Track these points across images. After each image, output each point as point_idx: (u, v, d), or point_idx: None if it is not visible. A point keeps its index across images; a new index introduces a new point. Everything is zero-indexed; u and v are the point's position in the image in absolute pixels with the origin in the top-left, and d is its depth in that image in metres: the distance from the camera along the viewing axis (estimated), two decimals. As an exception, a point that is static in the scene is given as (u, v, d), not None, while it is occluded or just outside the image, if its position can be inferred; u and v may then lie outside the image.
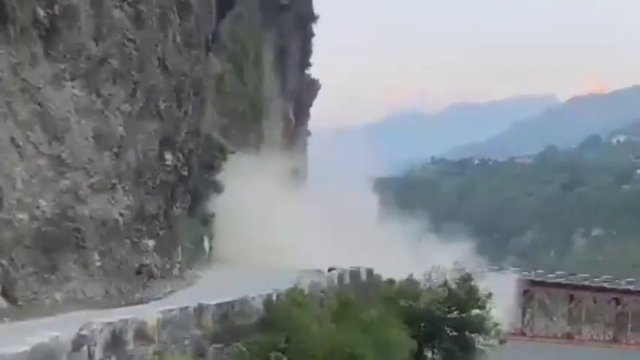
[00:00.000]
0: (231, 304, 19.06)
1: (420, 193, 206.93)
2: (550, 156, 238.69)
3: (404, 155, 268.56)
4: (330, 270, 30.65)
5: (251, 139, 47.02)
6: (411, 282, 37.07)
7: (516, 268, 72.29)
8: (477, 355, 36.87)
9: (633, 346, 68.34)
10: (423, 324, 34.54)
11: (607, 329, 68.91)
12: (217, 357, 16.97)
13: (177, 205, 27.12)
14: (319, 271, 29.90)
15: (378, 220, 54.57)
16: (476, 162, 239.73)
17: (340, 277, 29.58)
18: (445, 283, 37.34)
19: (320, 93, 70.67)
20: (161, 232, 25.21)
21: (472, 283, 37.46)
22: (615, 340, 68.69)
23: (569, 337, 67.28)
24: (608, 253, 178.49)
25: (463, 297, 36.52)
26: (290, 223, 40.22)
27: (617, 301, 68.19)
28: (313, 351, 19.40)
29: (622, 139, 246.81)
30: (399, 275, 37.39)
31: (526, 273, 70.83)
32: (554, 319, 68.27)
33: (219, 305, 18.53)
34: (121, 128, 22.17)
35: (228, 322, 18.58)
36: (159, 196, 24.93)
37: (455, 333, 35.94)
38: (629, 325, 67.19)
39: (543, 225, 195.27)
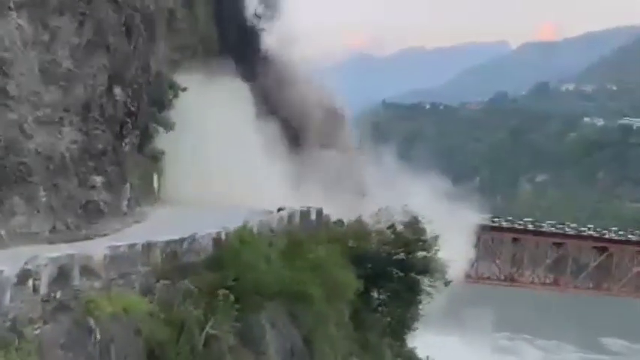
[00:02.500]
0: (179, 242, 19.04)
1: (370, 136, 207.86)
2: (499, 102, 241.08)
3: (355, 98, 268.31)
4: (279, 210, 30.70)
5: (203, 75, 46.21)
6: (359, 223, 37.44)
7: (462, 212, 73.29)
8: (422, 296, 37.64)
9: (572, 289, 70.46)
10: (370, 265, 35.04)
11: (548, 273, 70.80)
12: (165, 294, 16.98)
13: (126, 141, 26.73)
14: (269, 211, 29.94)
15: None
16: (427, 107, 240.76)
17: (290, 217, 29.69)
18: (393, 225, 37.84)
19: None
20: (109, 169, 24.88)
21: (419, 226, 38.04)
22: (555, 283, 70.67)
23: (511, 279, 68.96)
24: (552, 198, 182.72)
25: (410, 239, 37.09)
26: (242, 162, 40.01)
27: (559, 246, 69.95)
28: (262, 289, 19.55)
29: (571, 87, 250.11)
30: (348, 216, 37.71)
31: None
32: (498, 262, 69.83)
33: (167, 243, 18.50)
34: (68, 62, 21.63)
35: (176, 259, 18.58)
36: (107, 132, 24.53)
37: (401, 274, 36.56)
38: (569, 269, 69.11)
39: (491, 170, 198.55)
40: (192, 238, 19.47)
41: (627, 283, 70.18)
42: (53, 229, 21.07)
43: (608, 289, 70.33)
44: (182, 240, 19.15)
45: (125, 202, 26.43)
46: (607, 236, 71.75)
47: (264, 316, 20.68)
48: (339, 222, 36.93)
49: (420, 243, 36.97)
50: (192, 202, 34.37)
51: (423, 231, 37.59)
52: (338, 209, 37.30)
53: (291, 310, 23.20)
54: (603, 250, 69.71)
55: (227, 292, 17.71)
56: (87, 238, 20.93)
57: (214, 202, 33.73)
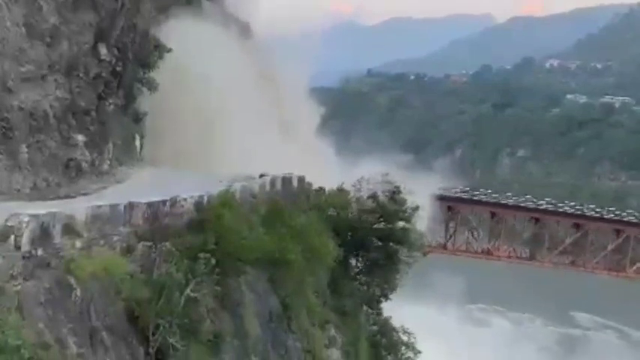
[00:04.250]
0: (161, 204, 19.01)
1: (355, 105, 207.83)
2: (484, 76, 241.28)
3: (340, 66, 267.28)
4: (261, 176, 30.68)
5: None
6: (340, 192, 37.53)
7: (443, 184, 73.69)
8: (400, 266, 37.93)
9: (548, 264, 71.26)
10: (350, 233, 35.21)
11: (524, 247, 71.51)
12: (146, 255, 17.01)
13: (109, 101, 26.50)
14: (251, 177, 29.91)
15: (316, 130, 54.58)
16: (411, 77, 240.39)
17: (272, 183, 29.69)
18: (374, 195, 37.98)
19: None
20: (92, 128, 24.70)
21: (400, 196, 38.20)
22: (532, 257, 71.43)
23: (488, 252, 69.59)
24: (531, 174, 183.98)
25: (390, 209, 37.25)
26: (225, 128, 39.89)
27: (536, 221, 70.57)
28: (242, 254, 19.63)
29: (555, 63, 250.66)
30: (330, 185, 37.78)
31: (452, 189, 72.48)
32: (476, 235, 70.38)
33: (149, 204, 18.47)
34: (54, 17, 21.34)
35: (157, 221, 18.57)
36: (91, 91, 24.32)
37: (380, 243, 36.79)
38: (546, 245, 69.82)
39: (472, 143, 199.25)
40: (174, 201, 19.45)
41: (601, 260, 71.15)
42: (34, 187, 20.96)
43: (583, 265, 71.24)
44: (164, 202, 19.12)
45: (107, 162, 26.30)
46: (584, 213, 72.48)
47: (244, 281, 20.80)
48: (321, 190, 36.99)
49: (400, 213, 37.15)
50: (174, 165, 34.29)
51: (403, 201, 37.78)
52: (319, 179, 37.37)
53: (271, 276, 23.34)
54: (579, 227, 70.47)
55: (208, 255, 17.76)
56: (68, 196, 20.81)
57: (196, 166, 33.66)
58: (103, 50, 24.56)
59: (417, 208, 39.46)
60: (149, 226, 18.09)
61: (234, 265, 19.49)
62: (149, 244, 17.47)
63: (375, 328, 39.79)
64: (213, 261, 17.76)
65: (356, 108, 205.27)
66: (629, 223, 71.88)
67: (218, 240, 19.07)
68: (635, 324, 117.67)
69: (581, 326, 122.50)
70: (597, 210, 73.73)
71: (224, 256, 18.77)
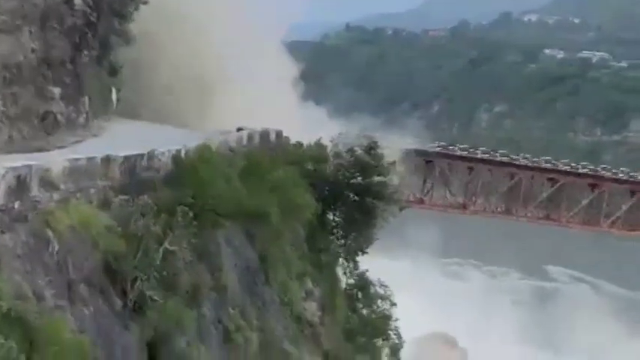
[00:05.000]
0: (138, 157, 18.93)
1: (333, 59, 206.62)
2: (462, 31, 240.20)
3: (319, 20, 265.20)
4: (238, 130, 30.60)
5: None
6: (318, 146, 37.54)
7: (420, 138, 73.92)
8: (377, 221, 38.18)
9: (523, 218, 72.11)
10: (327, 187, 35.34)
11: (500, 201, 72.21)
12: (123, 209, 16.95)
13: (84, 52, 26.12)
14: (228, 131, 29.83)
15: (292, 85, 54.23)
16: (389, 32, 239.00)
17: (249, 137, 29.65)
18: (351, 149, 38.05)
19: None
20: (67, 80, 24.38)
21: (377, 151, 38.29)
22: (507, 211, 72.21)
23: (464, 206, 70.20)
24: (508, 129, 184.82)
25: (368, 163, 37.35)
26: (201, 82, 39.59)
27: (512, 176, 71.17)
28: (219, 207, 19.65)
29: (533, 18, 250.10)
30: (307, 139, 37.77)
31: (429, 144, 72.75)
32: (452, 189, 70.87)
33: (126, 157, 18.38)
34: (26, -34, 20.90)
35: (134, 175, 18.51)
36: (66, 42, 23.92)
37: (357, 198, 36.97)
38: (521, 199, 70.53)
39: (450, 98, 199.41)
40: (152, 154, 19.38)
41: (576, 214, 72.10)
42: (9, 139, 20.74)
43: (558, 219, 72.17)
44: (141, 156, 19.04)
45: (83, 115, 26.04)
46: (559, 168, 73.17)
47: (222, 234, 20.87)
48: (298, 144, 36.99)
49: (378, 168, 37.28)
50: (151, 118, 34.09)
51: (380, 156, 37.89)
52: (297, 133, 37.33)
53: (248, 229, 23.45)
54: (555, 181, 71.20)
55: (185, 209, 17.76)
56: (43, 149, 20.62)
57: (174, 120, 33.50)
58: (77, 0, 24.13)
59: (394, 163, 39.65)
60: (126, 179, 18.02)
61: (211, 219, 19.52)
62: (126, 197, 17.42)
63: (351, 281, 40.20)
64: (191, 215, 17.77)
65: (335, 63, 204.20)
66: (603, 178, 72.77)
67: (195, 194, 19.07)
68: (608, 277, 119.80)
69: (555, 279, 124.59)
70: (572, 165, 74.41)
71: (201, 210, 18.79)
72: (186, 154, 20.67)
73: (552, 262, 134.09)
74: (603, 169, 75.70)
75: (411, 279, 66.99)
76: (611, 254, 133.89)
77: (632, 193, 72.55)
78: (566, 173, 72.16)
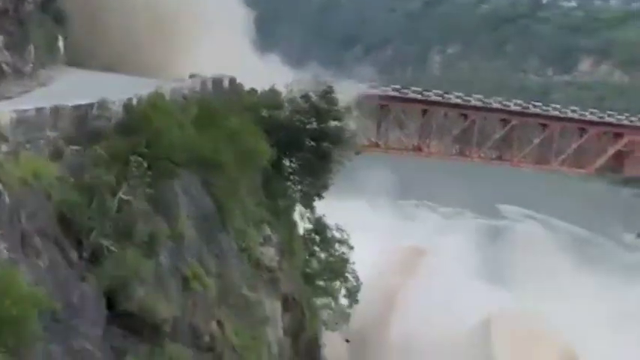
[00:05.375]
0: (88, 107, 18.57)
1: (286, 5, 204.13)
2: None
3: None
4: (191, 76, 30.20)
5: None
6: (272, 92, 37.30)
7: (374, 82, 73.75)
8: (333, 165, 38.32)
9: (476, 158, 72.86)
10: (282, 133, 35.22)
11: (454, 143, 72.75)
12: (75, 159, 16.69)
13: (28, 0, 25.37)
14: (181, 79, 29.41)
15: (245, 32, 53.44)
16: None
17: (202, 84, 29.28)
18: (306, 95, 37.87)
19: None
20: (11, 28, 23.70)
21: (332, 96, 38.20)
22: (461, 153, 72.81)
23: (419, 149, 70.60)
24: (461, 70, 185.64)
25: (323, 109, 37.28)
26: (156, 29, 38.80)
27: (466, 117, 71.58)
28: (174, 156, 19.43)
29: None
30: (261, 86, 37.47)
31: (383, 87, 72.62)
32: (407, 132, 71.13)
33: (76, 107, 18.02)
34: None
35: (85, 124, 18.17)
36: (8, -11, 23.20)
37: (313, 143, 36.98)
38: (475, 140, 71.16)
39: (403, 41, 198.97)
40: (102, 103, 19.01)
41: (528, 154, 73.16)
42: (-46, 91, 20.18)
43: (510, 159, 73.17)
44: (91, 105, 18.68)
45: (29, 65, 25.39)
46: (511, 109, 73.79)
47: (177, 183, 20.70)
48: (253, 91, 36.71)
49: (333, 113, 37.25)
50: (100, 67, 33.43)
51: (335, 101, 37.83)
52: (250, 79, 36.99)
53: (204, 177, 23.30)
54: (507, 122, 71.90)
55: (139, 158, 17.55)
56: (-10, 100, 20.11)
57: (126, 69, 32.89)
58: (18, -55, 23.34)
59: (349, 108, 39.61)
60: (77, 130, 17.70)
61: (166, 168, 19.31)
62: (77, 148, 17.13)
63: (309, 226, 40.51)
64: (145, 164, 17.56)
65: (288, 9, 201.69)
66: (554, 118, 73.69)
67: (149, 143, 18.80)
68: (558, 214, 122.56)
69: (508, 218, 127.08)
70: (524, 105, 75.08)
71: (156, 159, 18.56)
72: (138, 102, 20.32)
73: (505, 201, 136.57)
74: (554, 108, 76.49)
75: (367, 222, 67.61)
76: (562, 192, 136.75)
77: (582, 131, 73.74)
78: (518, 114, 72.76)
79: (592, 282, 60.01)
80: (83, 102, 18.39)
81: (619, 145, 75.62)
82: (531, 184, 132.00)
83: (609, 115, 76.19)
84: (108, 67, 33.89)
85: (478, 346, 53.28)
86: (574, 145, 73.91)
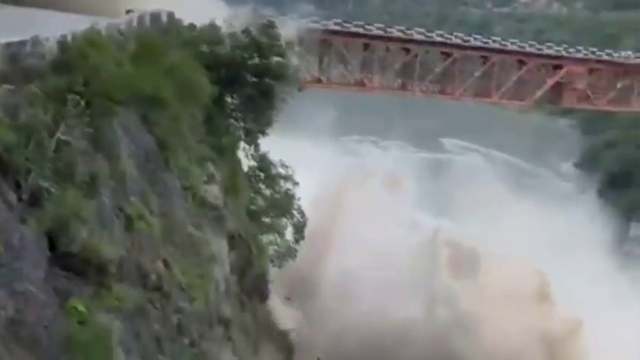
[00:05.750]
0: (21, 44, 17.90)
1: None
2: None
3: None
4: (128, 12, 29.35)
5: None
6: (212, 27, 36.55)
7: (315, 17, 72.92)
8: (276, 102, 38.01)
9: (418, 93, 73.15)
10: (224, 70, 34.68)
11: (397, 77, 72.78)
12: (9, 99, 16.13)
13: None
14: (117, 15, 28.54)
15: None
16: None
17: (140, 20, 28.49)
18: (247, 30, 37.23)
19: None
20: None
21: (273, 30, 37.64)
22: (403, 87, 72.97)
23: (361, 84, 70.46)
24: (402, 4, 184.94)
25: (264, 44, 36.75)
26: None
27: (408, 51, 71.52)
28: (112, 94, 18.95)
29: None
30: (200, 21, 36.66)
31: (325, 22, 71.86)
32: (349, 67, 70.79)
33: (7, 45, 17.35)
34: None
35: (18, 63, 17.54)
36: None
37: (255, 79, 36.52)
38: (417, 74, 71.29)
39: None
40: (36, 40, 18.33)
41: (469, 87, 73.76)
42: None
43: (452, 93, 73.70)
44: (24, 42, 18.00)
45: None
46: (452, 42, 73.93)
47: (116, 121, 20.24)
48: (191, 26, 35.91)
49: (274, 48, 36.77)
50: (35, 4, 32.20)
51: (277, 36, 37.31)
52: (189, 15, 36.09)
53: (144, 115, 22.84)
54: (448, 55, 72.13)
55: (76, 97, 17.07)
56: None
57: (59, 6, 31.74)
58: None
59: (291, 43, 39.12)
60: (9, 68, 17.07)
61: (105, 106, 18.84)
62: (11, 87, 16.55)
63: (253, 163, 40.32)
64: (83, 103, 17.11)
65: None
66: (494, 50, 74.16)
67: (86, 80, 18.29)
68: (498, 146, 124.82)
69: (449, 151, 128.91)
70: (465, 38, 75.28)
71: (94, 97, 18.09)
72: (73, 39, 19.66)
73: (447, 134, 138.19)
74: (494, 41, 76.89)
75: (311, 158, 67.64)
76: (502, 124, 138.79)
77: (521, 64, 74.50)
78: (459, 47, 73.01)
79: (531, 210, 61.73)
80: (15, 39, 17.71)
81: (558, 76, 76.69)
82: (472, 117, 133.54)
83: (548, 47, 77.05)
84: (43, 5, 32.66)
85: (425, 259, 54.80)
86: (514, 78, 74.70)
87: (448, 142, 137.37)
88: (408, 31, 74.01)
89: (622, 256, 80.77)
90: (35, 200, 15.29)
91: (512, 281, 52.99)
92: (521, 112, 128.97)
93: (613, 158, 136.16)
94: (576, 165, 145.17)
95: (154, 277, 18.82)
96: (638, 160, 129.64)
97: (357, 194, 60.62)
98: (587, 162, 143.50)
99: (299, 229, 43.23)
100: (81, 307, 14.44)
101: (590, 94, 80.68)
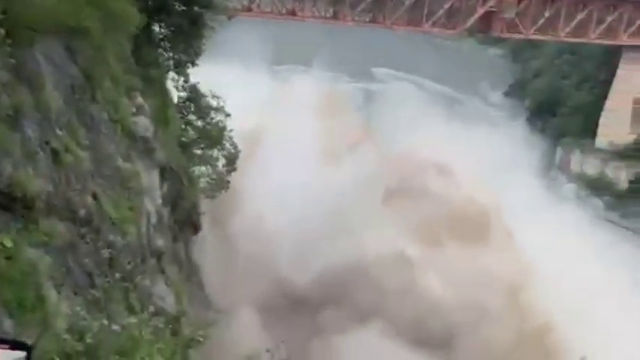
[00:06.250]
0: None
1: None
2: None
3: None
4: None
5: None
6: (137, -47, 35.31)
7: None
8: (206, 31, 37.27)
9: (350, 22, 72.92)
10: (150, -3, 33.75)
11: (328, 6, 72.25)
12: None
13: None
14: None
15: None
16: None
17: (60, -55, 27.28)
18: (173, -44, 36.13)
19: None
20: None
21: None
22: (335, 16, 72.62)
23: (293, 13, 69.78)
24: None
25: (192, -30, 35.81)
26: None
27: (339, -20, 71.00)
28: (34, 22, 18.27)
29: None
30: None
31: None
32: (280, -5, 69.97)
33: None
34: None
35: None
36: None
37: (183, 8, 35.67)
38: (348, 3, 70.89)
39: None
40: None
41: (400, 16, 73.74)
42: None
43: (383, 22, 73.62)
44: None
45: None
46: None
47: (40, 51, 19.55)
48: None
49: (203, -26, 35.90)
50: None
51: (204, -38, 36.36)
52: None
53: (69, 45, 22.08)
54: (380, -17, 71.75)
55: (-4, 26, 16.41)
56: None
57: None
58: None
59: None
60: None
61: (26, 36, 18.17)
62: None
63: (183, 94, 39.76)
64: (3, 32, 16.45)
65: None
66: (425, -21, 74.09)
67: (5, 9, 17.55)
68: (430, 75, 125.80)
69: (382, 81, 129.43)
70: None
71: (14, 26, 17.40)
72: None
73: (379, 64, 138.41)
74: (426, -31, 76.77)
75: (242, 87, 67.03)
76: (433, 53, 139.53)
77: (453, -8, 74.74)
78: (391, -25, 72.73)
79: (460, 131, 64.02)
80: None
81: (487, 5, 77.22)
82: (404, 47, 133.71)
83: (478, -24, 77.40)
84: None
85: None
86: (445, 6, 75.04)
87: (380, 71, 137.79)
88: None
89: (549, 182, 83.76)
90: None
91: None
92: (452, 40, 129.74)
93: (540, 87, 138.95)
94: (506, 94, 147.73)
95: (83, 211, 18.52)
96: (563, 90, 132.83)
97: (288, 122, 60.68)
98: (516, 91, 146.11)
99: (231, 161, 43.11)
100: (8, 243, 14.15)
101: (518, 23, 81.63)
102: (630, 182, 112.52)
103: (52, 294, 14.02)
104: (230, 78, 63.28)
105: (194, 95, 40.56)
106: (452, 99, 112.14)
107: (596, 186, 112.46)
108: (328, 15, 73.80)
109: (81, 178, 19.71)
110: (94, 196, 20.00)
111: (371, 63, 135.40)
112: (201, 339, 12.70)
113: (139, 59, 31.88)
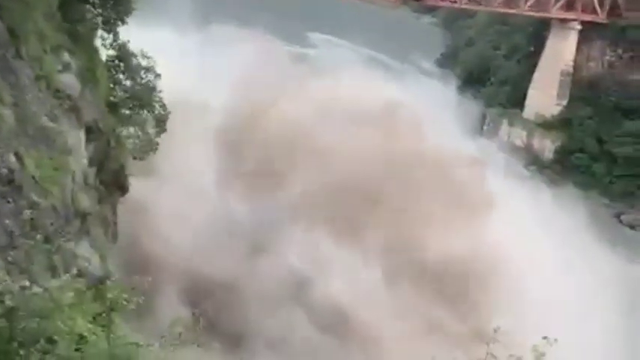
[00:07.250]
0: None
1: None
2: None
3: None
4: None
5: None
6: None
7: None
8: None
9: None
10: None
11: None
12: None
13: None
14: None
15: None
16: None
17: None
18: None
19: None
20: None
21: None
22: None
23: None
24: None
25: None
26: None
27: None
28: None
29: None
30: None
31: None
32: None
33: None
34: None
35: None
36: None
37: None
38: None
39: None
40: None
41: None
42: None
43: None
44: None
45: None
46: None
47: (-40, 5, 18.89)
48: None
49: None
50: None
51: None
52: None
53: (-9, -1, 21.41)
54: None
55: None
56: None
57: None
58: None
59: None
60: None
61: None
62: None
63: (112, 52, 38.89)
64: None
65: None
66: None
67: None
68: (365, 42, 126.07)
69: (317, 45, 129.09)
70: None
71: None
72: None
73: (314, 29, 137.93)
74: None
75: (175, 48, 66.00)
76: (368, 20, 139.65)
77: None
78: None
79: (395, 94, 66.45)
80: None
81: (422, -26, 77.44)
82: (339, 13, 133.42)
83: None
84: None
85: None
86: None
87: (315, 36, 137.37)
88: None
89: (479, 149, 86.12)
90: None
91: None
92: (387, 8, 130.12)
93: (471, 56, 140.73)
94: (437, 62, 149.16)
95: (5, 170, 18.11)
96: (493, 59, 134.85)
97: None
98: (448, 60, 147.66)
99: (160, 123, 42.50)
100: None
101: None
102: (555, 152, 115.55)
103: (-30, 255, 13.73)
104: (162, 38, 62.26)
105: (123, 54, 39.65)
106: (386, 66, 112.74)
107: (523, 156, 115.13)
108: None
109: (4, 137, 19.24)
110: (17, 155, 19.55)
111: (307, 27, 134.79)
112: (125, 302, 12.63)
113: (67, 15, 31.00)
